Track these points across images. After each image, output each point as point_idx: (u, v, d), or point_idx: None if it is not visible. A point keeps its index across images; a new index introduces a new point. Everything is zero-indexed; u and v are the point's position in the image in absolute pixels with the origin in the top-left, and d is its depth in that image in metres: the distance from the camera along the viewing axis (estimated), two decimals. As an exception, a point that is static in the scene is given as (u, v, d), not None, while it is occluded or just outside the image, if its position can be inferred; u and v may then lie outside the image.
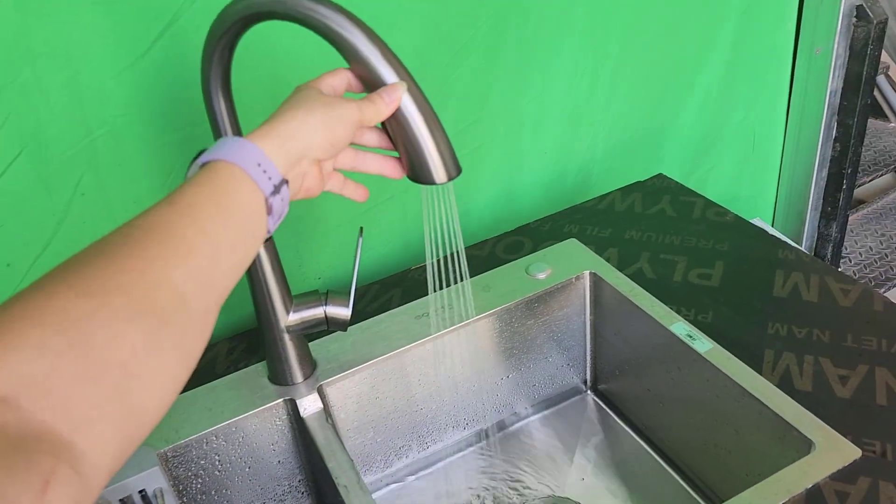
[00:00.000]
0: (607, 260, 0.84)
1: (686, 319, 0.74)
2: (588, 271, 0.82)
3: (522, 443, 0.84)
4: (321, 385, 0.71)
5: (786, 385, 0.66)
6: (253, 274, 0.64)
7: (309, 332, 0.68)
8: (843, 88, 1.24)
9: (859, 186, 1.74)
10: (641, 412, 0.82)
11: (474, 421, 0.84)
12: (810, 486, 0.57)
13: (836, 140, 1.28)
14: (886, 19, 1.18)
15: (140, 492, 0.61)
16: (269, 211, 0.44)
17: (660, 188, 0.98)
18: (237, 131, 0.59)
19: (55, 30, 0.64)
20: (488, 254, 0.88)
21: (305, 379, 0.71)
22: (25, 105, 0.65)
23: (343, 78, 0.52)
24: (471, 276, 0.70)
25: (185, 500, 0.69)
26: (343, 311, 0.67)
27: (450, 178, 0.53)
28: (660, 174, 1.02)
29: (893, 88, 1.88)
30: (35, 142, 0.67)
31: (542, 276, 0.81)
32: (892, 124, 1.95)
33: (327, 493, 0.69)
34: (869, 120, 1.31)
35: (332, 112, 0.48)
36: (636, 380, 0.81)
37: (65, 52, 0.65)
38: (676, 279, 0.81)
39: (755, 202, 1.34)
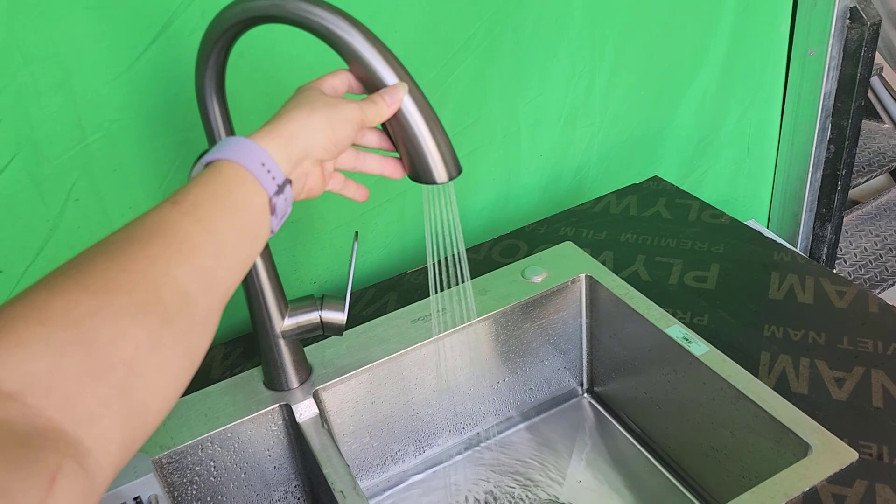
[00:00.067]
0: (603, 263, 0.84)
1: (682, 322, 0.74)
2: (584, 274, 0.82)
3: (519, 446, 0.84)
4: (317, 390, 0.71)
5: (782, 388, 0.66)
6: (248, 279, 0.64)
7: (304, 337, 0.68)
8: (837, 90, 1.24)
9: (854, 187, 1.74)
10: (638, 415, 0.82)
11: (471, 425, 0.84)
12: (807, 489, 0.57)
13: (830, 141, 1.29)
14: (880, 21, 1.19)
15: (135, 499, 0.61)
16: (273, 211, 0.44)
17: (655, 190, 0.98)
18: (231, 135, 0.58)
19: (49, 34, 0.64)
20: (484, 257, 0.88)
21: (301, 384, 0.71)
22: (19, 110, 0.65)
23: (344, 79, 0.52)
24: (452, 293, 0.70)
25: (180, 506, 0.69)
26: (338, 316, 0.67)
27: (450, 178, 0.53)
28: (655, 176, 1.02)
29: (887, 89, 1.89)
30: (29, 147, 0.67)
31: (538, 279, 0.81)
32: (886, 125, 1.96)
33: (323, 499, 0.68)
34: (863, 121, 1.31)
35: (334, 113, 0.48)
36: (633, 383, 0.81)
37: (59, 56, 0.65)
38: (672, 282, 0.81)
39: (750, 204, 1.34)
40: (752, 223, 1.26)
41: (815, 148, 1.28)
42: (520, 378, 0.84)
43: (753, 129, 1.24)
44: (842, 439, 0.60)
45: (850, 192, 1.39)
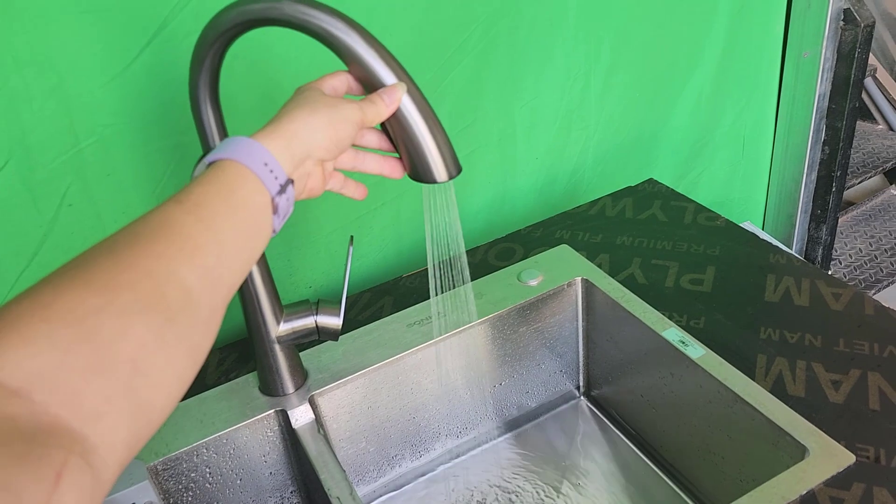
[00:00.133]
0: (599, 266, 0.84)
1: (678, 325, 0.74)
2: (580, 277, 0.82)
3: (516, 450, 0.84)
4: (313, 395, 0.70)
5: (779, 390, 0.66)
6: (243, 284, 0.63)
7: (300, 342, 0.68)
8: (831, 92, 1.24)
9: (848, 188, 1.74)
10: (635, 418, 0.82)
11: (467, 429, 0.84)
12: (804, 492, 0.57)
13: (825, 143, 1.29)
14: (873, 23, 1.19)
15: (130, 506, 0.60)
16: (275, 210, 0.44)
17: (651, 193, 0.98)
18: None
19: (41, 38, 0.63)
20: (480, 260, 0.88)
21: (297, 389, 0.70)
22: (11, 114, 0.65)
23: (343, 80, 0.52)
24: (451, 294, 0.69)
25: (175, 513, 0.69)
26: (334, 321, 0.67)
27: (450, 177, 0.54)
28: (650, 179, 1.02)
29: (881, 91, 1.89)
30: (21, 152, 0.66)
31: (533, 282, 0.81)
32: (880, 126, 1.96)
33: (320, 504, 0.68)
34: (857, 122, 1.31)
35: (335, 113, 0.48)
36: (629, 386, 0.81)
37: (51, 60, 0.65)
38: (668, 284, 0.80)
39: (745, 205, 1.34)
40: (747, 225, 1.26)
41: (810, 149, 1.28)
42: (516, 381, 0.84)
43: (748, 131, 1.24)
44: (839, 442, 0.60)
45: (844, 193, 1.39)
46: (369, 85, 0.51)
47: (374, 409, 0.75)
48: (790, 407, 0.63)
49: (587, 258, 0.85)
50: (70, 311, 0.32)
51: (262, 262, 0.63)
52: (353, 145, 0.54)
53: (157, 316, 0.34)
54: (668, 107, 1.13)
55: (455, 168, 0.54)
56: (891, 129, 1.94)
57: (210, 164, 0.44)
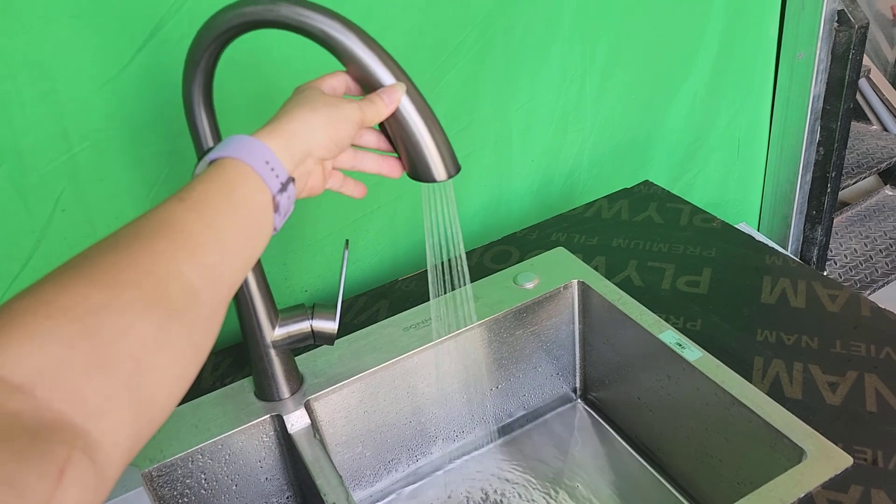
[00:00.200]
0: (595, 268, 0.84)
1: (675, 327, 0.74)
2: (576, 280, 0.81)
3: (513, 453, 0.84)
4: (308, 400, 0.70)
5: (776, 393, 0.65)
6: (238, 288, 0.63)
7: (295, 347, 0.67)
8: (825, 93, 1.24)
9: (843, 189, 1.75)
10: (632, 420, 0.82)
11: (464, 432, 0.83)
12: (802, 495, 0.57)
13: (819, 144, 1.29)
14: (867, 24, 1.19)
15: (124, 513, 0.60)
16: (276, 208, 0.44)
17: (646, 195, 0.98)
18: (210, 149, 0.58)
19: (33, 44, 0.63)
20: (476, 263, 0.88)
21: (292, 394, 0.70)
22: (3, 120, 0.64)
23: (342, 80, 0.53)
24: (451, 295, 0.69)
25: (171, 519, 0.68)
26: (330, 325, 0.67)
27: (449, 176, 0.54)
28: (646, 181, 1.02)
29: (875, 91, 1.90)
30: (14, 157, 0.66)
31: (530, 285, 0.81)
32: (875, 127, 1.97)
33: (316, 509, 0.68)
34: (851, 123, 1.32)
35: (335, 112, 0.48)
36: (626, 388, 0.81)
37: (43, 65, 0.64)
38: (665, 287, 0.80)
39: (741, 207, 1.34)
40: (742, 226, 1.26)
41: (805, 150, 1.29)
42: (513, 384, 0.84)
43: (743, 133, 1.24)
44: (836, 444, 0.60)
45: (839, 193, 1.39)
46: (368, 85, 0.51)
47: (370, 414, 0.75)
48: (787, 409, 0.63)
49: (583, 260, 0.85)
50: (73, 308, 0.32)
51: (257, 266, 0.63)
52: (352, 145, 0.54)
53: (159, 313, 0.34)
54: (663, 108, 1.13)
55: (454, 167, 0.54)
56: (885, 129, 1.95)
57: (211, 162, 0.44)
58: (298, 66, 0.76)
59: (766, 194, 1.36)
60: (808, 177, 1.33)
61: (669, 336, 0.72)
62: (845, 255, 1.69)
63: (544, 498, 0.78)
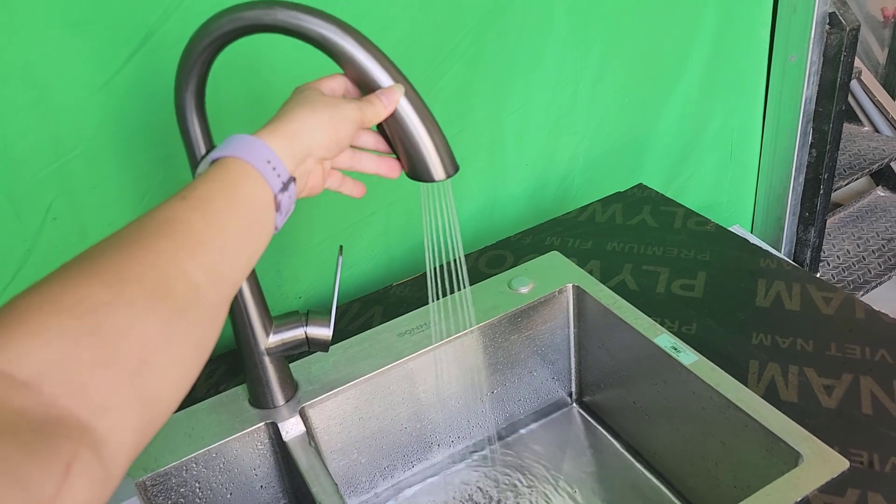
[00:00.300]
0: (590, 272, 0.83)
1: (670, 331, 0.74)
2: (571, 284, 0.81)
3: (509, 457, 0.84)
4: (303, 407, 0.70)
5: (771, 396, 0.65)
6: (231, 296, 0.62)
7: (290, 354, 0.67)
8: (817, 95, 1.25)
9: (835, 190, 1.75)
10: (628, 424, 0.82)
11: (460, 438, 0.83)
12: (799, 499, 0.57)
13: (812, 146, 1.30)
14: (859, 26, 1.20)
15: (118, 524, 0.59)
16: (278, 207, 0.45)
17: (640, 198, 0.98)
18: (211, 149, 0.58)
19: (24, 50, 0.63)
20: (470, 268, 0.88)
21: (287, 401, 0.70)
22: (-6, 127, 0.64)
23: (341, 82, 0.53)
24: (454, 292, 0.69)
25: (165, 529, 0.68)
26: (324, 332, 0.66)
27: (448, 176, 0.54)
28: (640, 184, 1.02)
29: (866, 93, 1.90)
30: (4, 164, 0.65)
31: (524, 290, 0.81)
32: (866, 128, 1.98)
33: (312, 517, 0.67)
34: (843, 124, 1.32)
35: (335, 112, 0.49)
36: (622, 392, 0.81)
37: (34, 72, 0.64)
38: (659, 290, 0.80)
39: (734, 209, 1.35)
40: (736, 228, 1.27)
41: (798, 152, 1.29)
42: (508, 389, 0.84)
43: (736, 135, 1.25)
44: (832, 447, 0.60)
45: (831, 194, 1.40)
46: (366, 87, 0.52)
47: (365, 420, 0.75)
48: (783, 413, 0.63)
49: (578, 265, 0.85)
50: (78, 304, 0.32)
51: (251, 273, 0.63)
52: (350, 146, 0.54)
53: (164, 310, 0.35)
54: (656, 112, 1.13)
55: (452, 167, 0.54)
56: (876, 130, 1.96)
57: (213, 161, 0.44)
58: (291, 71, 0.75)
59: (760, 196, 1.37)
60: (801, 178, 1.33)
61: (665, 340, 0.72)
62: (838, 257, 1.70)
63: (539, 502, 0.78)
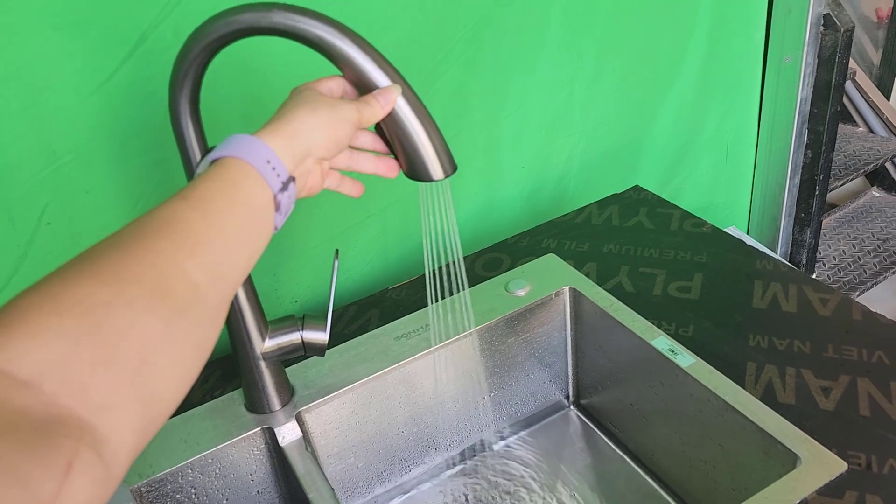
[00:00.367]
0: (586, 275, 0.83)
1: (667, 333, 0.73)
2: (567, 287, 0.81)
3: (507, 461, 0.83)
4: (300, 412, 0.69)
5: (769, 398, 0.65)
6: (227, 301, 0.62)
7: (286, 358, 0.67)
8: (812, 96, 1.25)
9: (830, 191, 1.76)
10: (625, 427, 0.82)
11: (457, 442, 0.83)
12: (798, 501, 0.56)
13: (807, 147, 1.30)
14: (853, 27, 1.20)
15: (113, 531, 0.59)
16: (277, 207, 0.45)
17: (636, 200, 0.98)
18: (206, 153, 0.57)
19: (16, 55, 0.62)
20: (467, 270, 0.87)
21: (283, 406, 0.69)
22: (-14, 132, 0.63)
23: (339, 83, 0.53)
24: (451, 295, 0.69)
25: (161, 535, 0.67)
26: (320, 336, 0.66)
27: (446, 175, 0.54)
28: (636, 186, 1.02)
29: (861, 93, 1.91)
30: (-3, 170, 0.65)
31: (521, 292, 0.81)
32: (861, 129, 1.98)
33: (308, 523, 0.67)
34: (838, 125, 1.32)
35: (334, 113, 0.49)
36: (619, 395, 0.80)
37: (27, 77, 0.63)
38: (656, 293, 0.80)
39: (730, 210, 1.35)
40: (732, 230, 1.27)
41: (793, 153, 1.29)
42: (505, 392, 0.83)
43: (731, 136, 1.25)
44: (830, 450, 0.60)
45: (827, 195, 1.40)
46: (364, 88, 0.52)
47: (362, 425, 0.74)
48: (781, 415, 0.63)
49: (574, 267, 0.85)
50: (78, 304, 0.32)
51: (247, 278, 0.62)
52: (348, 146, 0.54)
53: (164, 309, 0.35)
54: (651, 113, 1.13)
55: (451, 166, 0.54)
56: (871, 131, 1.96)
57: (213, 161, 0.44)
58: (285, 74, 0.75)
59: (755, 197, 1.37)
60: (797, 179, 1.33)
61: (662, 342, 0.72)
62: (834, 257, 1.70)
63: (538, 507, 0.78)
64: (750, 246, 0.86)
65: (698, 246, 0.87)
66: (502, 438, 0.85)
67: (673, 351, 0.71)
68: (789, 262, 1.43)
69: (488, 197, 1.02)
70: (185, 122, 0.55)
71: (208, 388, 0.74)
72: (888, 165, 1.92)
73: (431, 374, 0.76)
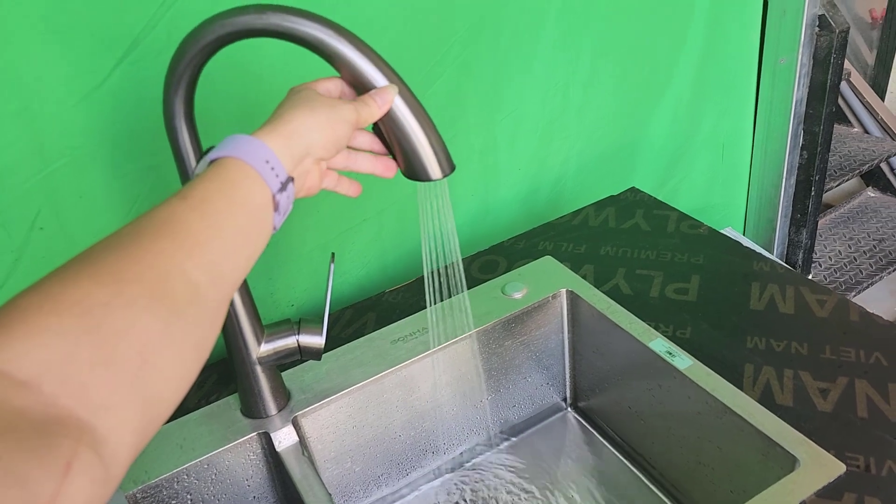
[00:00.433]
0: (583, 277, 0.83)
1: (664, 335, 0.73)
2: (564, 289, 0.81)
3: (505, 463, 0.83)
4: (296, 416, 0.69)
5: (767, 400, 0.65)
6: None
7: (282, 363, 0.66)
8: (808, 97, 1.25)
9: (826, 191, 1.76)
10: (623, 429, 0.81)
11: (454, 445, 0.82)
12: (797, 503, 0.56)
13: (803, 148, 1.30)
14: (848, 28, 1.20)
15: (108, 538, 0.58)
16: (276, 208, 0.45)
17: (633, 202, 0.98)
18: (201, 157, 0.57)
19: (7, 59, 0.62)
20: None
21: (279, 411, 0.69)
22: (-22, 137, 0.63)
23: (337, 84, 0.53)
24: (451, 296, 0.69)
25: (156, 542, 0.67)
26: (316, 340, 0.65)
27: (445, 175, 0.54)
28: (632, 188, 1.02)
29: (855, 94, 1.91)
30: (-11, 175, 0.64)
31: (518, 295, 0.80)
32: (856, 129, 1.98)
33: (305, 528, 0.66)
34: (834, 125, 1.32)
35: (333, 113, 0.49)
36: (617, 397, 0.80)
37: (18, 82, 0.63)
38: (653, 294, 0.80)
39: (726, 211, 1.35)
40: (728, 231, 1.27)
41: (789, 154, 1.29)
42: (503, 395, 0.83)
43: (727, 138, 1.25)
44: (829, 451, 0.60)
45: (822, 196, 1.40)
46: (361, 88, 0.52)
47: (359, 429, 0.74)
48: (779, 416, 0.63)
49: (571, 269, 0.84)
50: (77, 304, 0.32)
51: (242, 282, 0.62)
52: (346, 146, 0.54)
53: (163, 310, 0.35)
54: (647, 115, 1.13)
55: (449, 166, 0.54)
56: (866, 131, 1.97)
57: (212, 161, 0.44)
58: (280, 77, 0.75)
59: (751, 198, 1.37)
60: (793, 180, 1.33)
61: (659, 344, 0.72)
62: (830, 258, 1.70)
63: (536, 510, 0.77)
64: (747, 247, 0.86)
65: (695, 247, 0.87)
66: (500, 441, 0.85)
67: (670, 353, 0.71)
68: (785, 262, 1.43)
69: (484, 199, 1.02)
70: (179, 126, 0.55)
71: (204, 393, 0.74)
72: (883, 166, 1.92)
73: (428, 378, 0.76)
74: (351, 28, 0.51)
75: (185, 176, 0.56)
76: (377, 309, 0.83)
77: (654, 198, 0.98)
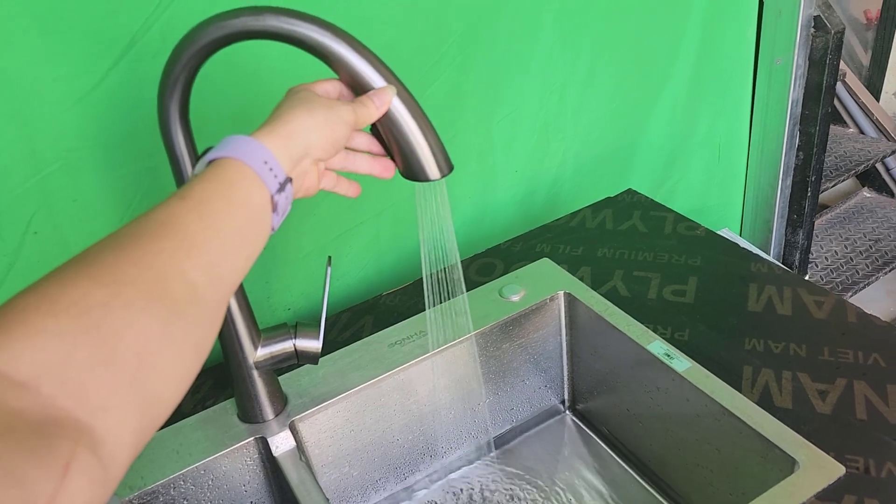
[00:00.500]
0: (581, 279, 0.83)
1: (663, 337, 0.73)
2: (562, 291, 0.81)
3: (502, 467, 0.83)
4: (293, 421, 0.68)
5: (766, 402, 0.65)
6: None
7: (279, 367, 0.66)
8: (804, 98, 1.25)
9: (822, 192, 1.76)
10: (622, 432, 0.81)
11: (452, 448, 0.82)
12: (796, 506, 0.56)
13: (799, 148, 1.30)
14: (843, 29, 1.20)
15: (104, 545, 0.58)
16: (274, 208, 0.45)
17: (630, 203, 0.98)
18: (195, 161, 0.57)
19: (1, 63, 0.61)
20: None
21: (276, 415, 0.68)
22: (-29, 141, 0.62)
23: (336, 86, 0.53)
24: (450, 298, 0.68)
25: (153, 548, 0.66)
26: (313, 344, 0.65)
27: (443, 175, 0.54)
28: (629, 189, 1.01)
29: (851, 95, 1.92)
30: (-17, 179, 0.64)
31: (515, 297, 0.80)
32: (851, 130, 1.99)
33: (303, 533, 0.66)
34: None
35: (331, 114, 0.49)
36: (615, 399, 0.80)
37: (11, 84, 0.62)
38: (651, 296, 0.80)
39: (723, 212, 1.35)
40: (725, 231, 1.26)
41: (785, 155, 1.29)
42: (501, 398, 0.83)
43: (723, 139, 1.25)
44: (828, 453, 0.59)
45: (819, 196, 1.40)
46: (359, 89, 0.52)
47: (356, 433, 0.74)
48: (778, 419, 0.63)
49: (569, 271, 0.84)
50: (75, 305, 0.32)
51: (238, 286, 0.62)
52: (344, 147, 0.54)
53: (161, 311, 0.35)
54: (644, 116, 1.13)
55: (447, 166, 0.54)
56: (861, 132, 1.97)
57: (210, 161, 0.44)
58: (277, 79, 0.74)
59: (748, 199, 1.37)
60: (789, 181, 1.33)
61: (657, 347, 0.72)
62: (826, 258, 1.71)
63: (535, 513, 0.77)
64: (744, 249, 0.86)
65: (692, 249, 0.87)
66: (498, 444, 0.85)
67: (669, 355, 0.70)
68: (782, 263, 1.43)
69: (482, 201, 1.01)
70: (174, 129, 0.54)
71: (200, 398, 0.73)
72: (879, 166, 1.93)
73: (426, 381, 0.76)
74: (348, 29, 0.50)
75: (181, 178, 0.56)
76: (374, 312, 0.83)
77: (651, 199, 0.98)
